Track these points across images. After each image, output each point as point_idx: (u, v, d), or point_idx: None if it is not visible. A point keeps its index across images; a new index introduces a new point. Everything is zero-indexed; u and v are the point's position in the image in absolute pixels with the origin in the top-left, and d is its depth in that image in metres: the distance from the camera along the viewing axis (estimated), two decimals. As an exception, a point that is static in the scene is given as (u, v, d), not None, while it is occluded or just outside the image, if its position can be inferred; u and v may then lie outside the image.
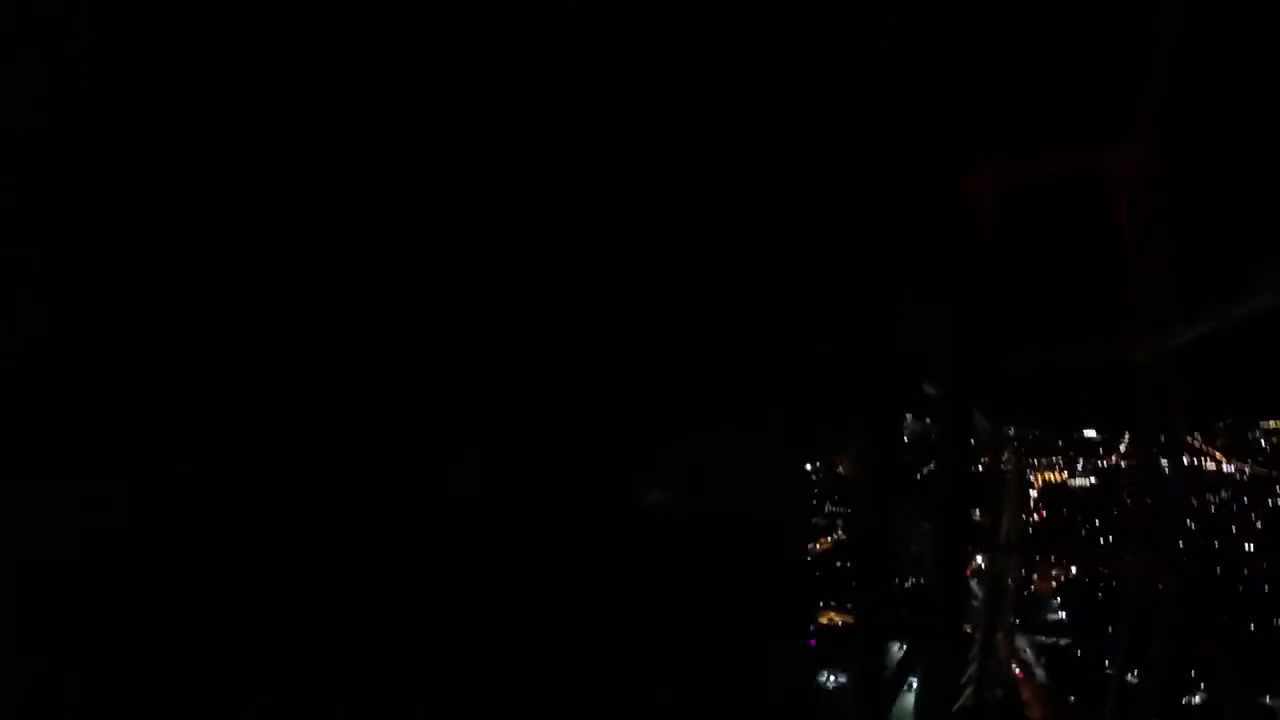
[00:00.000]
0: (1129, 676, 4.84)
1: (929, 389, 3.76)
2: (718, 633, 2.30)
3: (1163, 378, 4.06)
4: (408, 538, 2.14)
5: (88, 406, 1.87)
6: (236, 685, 1.93)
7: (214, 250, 2.02)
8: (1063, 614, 25.40)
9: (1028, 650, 22.97)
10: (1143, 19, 3.22)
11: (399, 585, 2.11)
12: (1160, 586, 4.09)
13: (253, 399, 2.05)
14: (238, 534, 1.99)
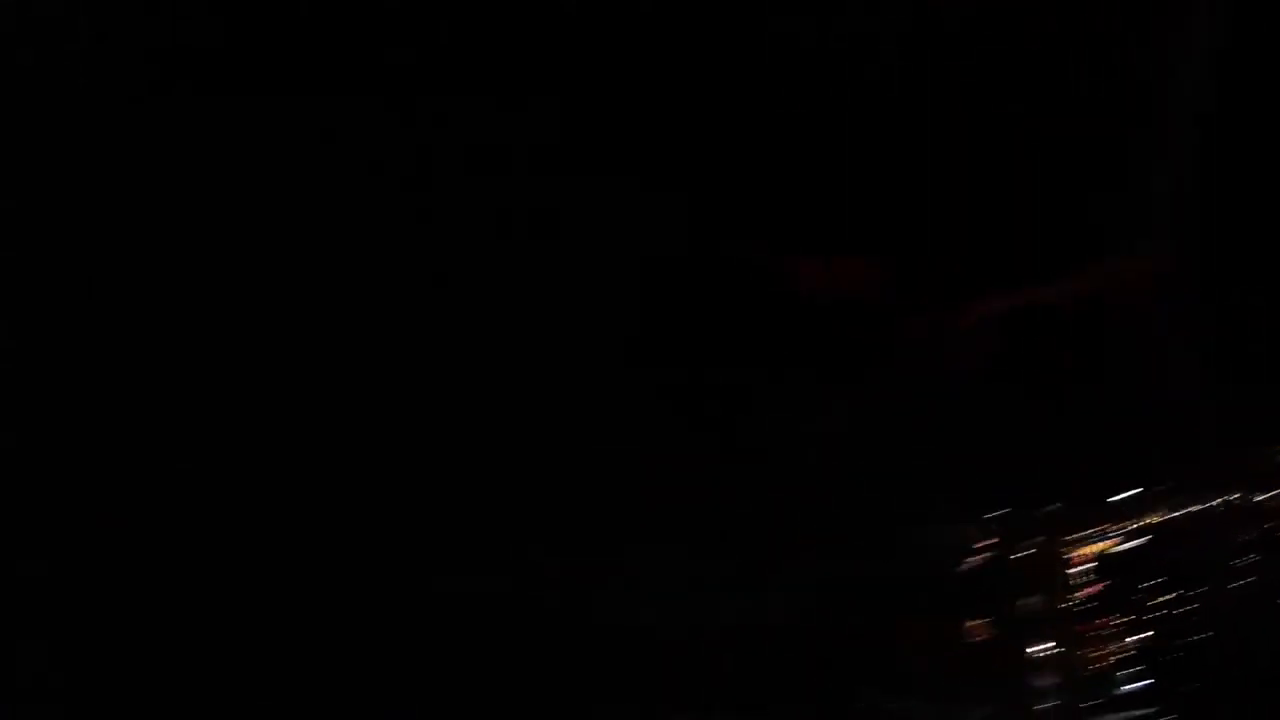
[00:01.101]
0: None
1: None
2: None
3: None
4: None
5: (88, 404, 1.86)
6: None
7: (210, 249, 2.11)
8: (1132, 685, 23.88)
9: (1110, 732, 21.38)
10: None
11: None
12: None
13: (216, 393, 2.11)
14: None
